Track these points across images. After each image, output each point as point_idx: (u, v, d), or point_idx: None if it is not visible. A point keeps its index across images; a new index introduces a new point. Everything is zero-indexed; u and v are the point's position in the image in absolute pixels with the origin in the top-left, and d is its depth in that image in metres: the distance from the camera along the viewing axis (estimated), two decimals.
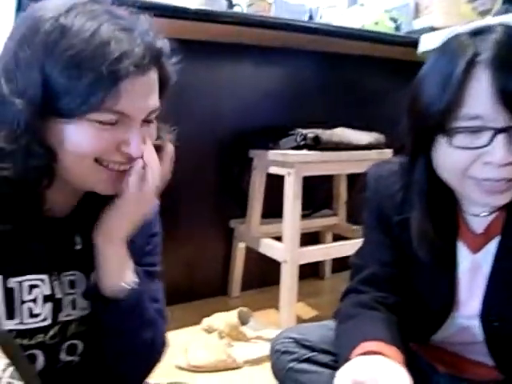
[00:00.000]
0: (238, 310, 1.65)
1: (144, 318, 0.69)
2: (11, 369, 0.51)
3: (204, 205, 1.91)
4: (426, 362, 0.90)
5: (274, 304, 1.80)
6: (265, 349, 1.50)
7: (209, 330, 1.64)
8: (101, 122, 0.58)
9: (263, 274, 2.04)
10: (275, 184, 1.74)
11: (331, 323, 1.02)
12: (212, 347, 1.45)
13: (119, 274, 0.66)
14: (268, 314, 1.81)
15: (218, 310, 1.71)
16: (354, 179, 2.08)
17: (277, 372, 1.00)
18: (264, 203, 1.89)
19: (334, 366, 0.94)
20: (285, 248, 1.65)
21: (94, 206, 0.67)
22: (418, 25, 1.89)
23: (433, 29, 1.70)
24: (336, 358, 0.80)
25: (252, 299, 1.94)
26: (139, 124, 0.61)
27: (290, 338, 0.98)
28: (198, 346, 1.47)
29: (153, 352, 0.72)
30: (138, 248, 0.72)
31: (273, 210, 1.93)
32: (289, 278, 1.63)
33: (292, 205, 1.61)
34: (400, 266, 0.83)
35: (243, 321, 1.63)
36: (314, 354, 0.95)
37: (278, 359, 0.98)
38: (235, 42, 1.78)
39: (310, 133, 1.63)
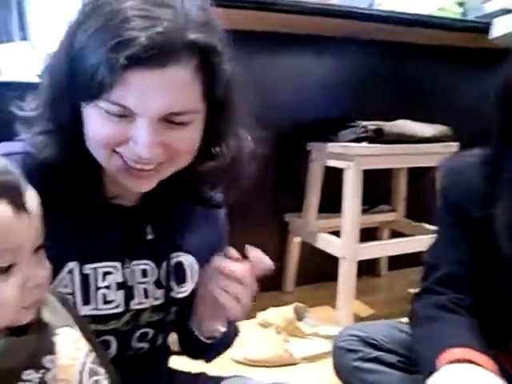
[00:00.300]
0: (293, 305, 1.62)
1: (232, 340, 0.80)
2: (93, 354, 0.52)
3: (259, 198, 1.88)
4: (508, 371, 0.84)
5: (328, 301, 1.77)
6: (322, 346, 1.47)
7: (264, 325, 1.62)
8: (108, 112, 0.55)
9: (318, 270, 2.00)
10: (333, 177, 1.70)
11: (395, 322, 0.98)
12: (269, 342, 1.44)
13: (215, 324, 0.71)
14: (323, 310, 1.77)
15: (271, 305, 1.69)
16: (414, 174, 2.01)
17: (340, 370, 0.97)
18: (320, 197, 1.85)
19: (402, 367, 0.91)
20: (343, 243, 1.61)
21: (162, 195, 0.67)
22: (488, 8, 1.77)
23: (506, 11, 1.58)
24: (415, 363, 0.76)
25: (306, 295, 1.90)
26: (149, 122, 0.55)
27: (355, 335, 0.95)
28: (255, 340, 1.45)
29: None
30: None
31: (329, 204, 1.88)
32: (347, 275, 1.59)
33: (351, 199, 1.57)
34: (478, 265, 0.77)
35: (299, 316, 1.61)
36: (381, 353, 0.92)
37: (342, 357, 0.95)
38: (294, 32, 1.75)
39: (372, 125, 1.57)
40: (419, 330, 0.76)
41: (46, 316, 0.50)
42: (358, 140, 1.58)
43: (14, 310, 0.45)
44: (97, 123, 0.56)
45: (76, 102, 0.57)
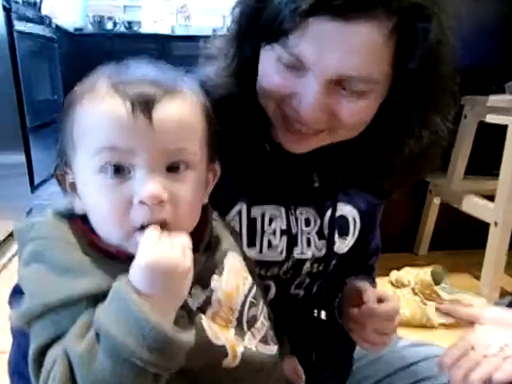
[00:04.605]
0: (431, 268, 1.52)
1: None
2: (255, 289, 0.51)
3: None
4: None
5: (469, 269, 1.68)
6: None
7: (396, 285, 1.57)
8: (280, 60, 0.50)
9: (457, 235, 1.88)
10: (486, 135, 1.52)
11: None
12: (405, 302, 1.38)
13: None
14: (462, 278, 1.67)
15: (403, 267, 1.62)
16: None
17: None
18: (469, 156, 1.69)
19: None
20: (497, 208, 1.46)
21: (331, 150, 0.62)
22: None
23: None
24: None
25: (441, 260, 1.77)
26: (320, 81, 0.48)
27: None
28: None
29: None
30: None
31: (477, 164, 1.71)
32: (498, 243, 1.45)
33: None
34: None
35: (436, 281, 1.51)
36: None
37: None
38: None
39: None
40: None
41: (217, 240, 0.50)
42: None
43: (119, 226, 0.41)
44: (268, 69, 0.52)
45: (257, 41, 0.54)
